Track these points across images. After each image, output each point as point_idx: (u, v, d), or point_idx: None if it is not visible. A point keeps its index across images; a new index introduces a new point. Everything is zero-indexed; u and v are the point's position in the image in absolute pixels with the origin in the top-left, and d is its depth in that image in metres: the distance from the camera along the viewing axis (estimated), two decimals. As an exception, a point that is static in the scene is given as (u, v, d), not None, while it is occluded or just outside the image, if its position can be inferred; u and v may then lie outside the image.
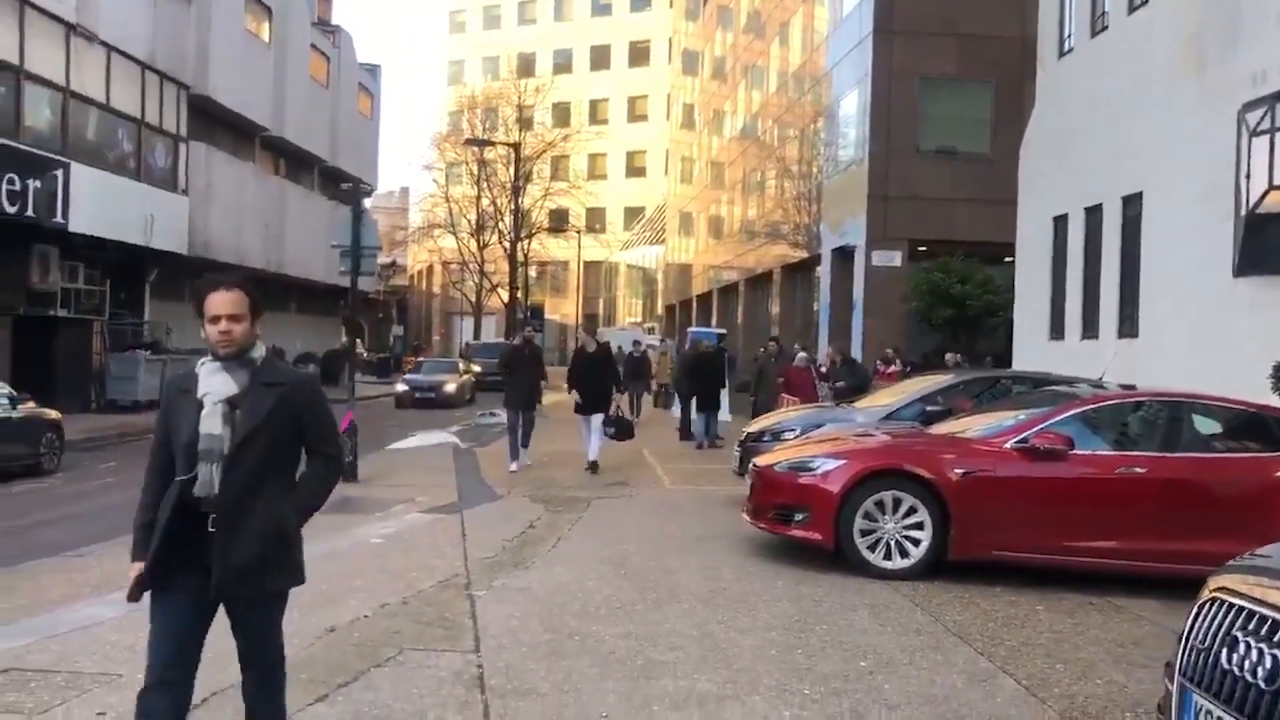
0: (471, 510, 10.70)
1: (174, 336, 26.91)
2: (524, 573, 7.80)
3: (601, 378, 13.88)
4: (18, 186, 19.58)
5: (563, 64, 74.25)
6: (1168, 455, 7.75)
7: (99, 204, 22.13)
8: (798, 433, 10.55)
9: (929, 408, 10.26)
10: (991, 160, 25.17)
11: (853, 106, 26.77)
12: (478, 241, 62.76)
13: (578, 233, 48.73)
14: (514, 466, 13.69)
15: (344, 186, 12.63)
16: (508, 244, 60.06)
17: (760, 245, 37.08)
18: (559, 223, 61.16)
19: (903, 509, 7.74)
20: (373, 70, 42.75)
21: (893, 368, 17.88)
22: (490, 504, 11.22)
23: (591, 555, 8.43)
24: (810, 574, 7.76)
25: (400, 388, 29.94)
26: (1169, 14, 13.85)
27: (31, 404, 14.77)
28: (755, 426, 11.54)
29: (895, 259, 25.05)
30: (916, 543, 7.73)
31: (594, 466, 13.69)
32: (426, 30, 79.03)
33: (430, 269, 73.18)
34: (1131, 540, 7.55)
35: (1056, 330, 16.77)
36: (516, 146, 32.76)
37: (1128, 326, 14.55)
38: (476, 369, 34.36)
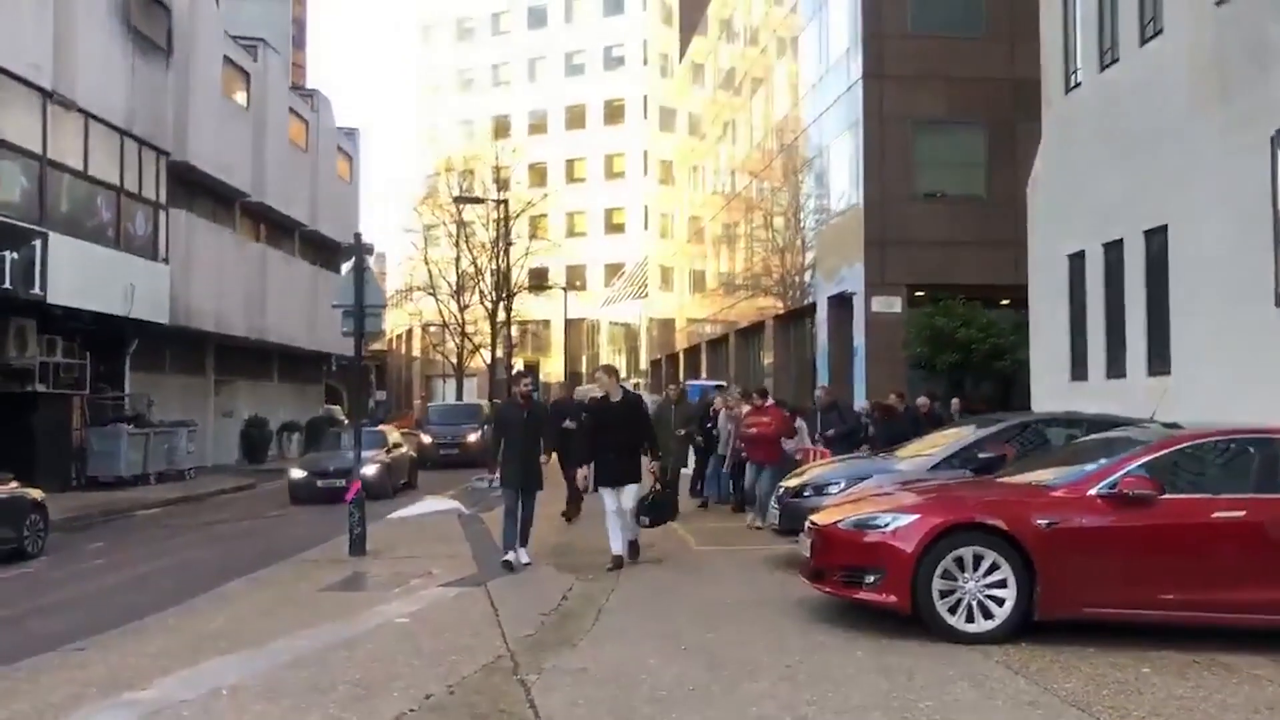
0: (496, 583, 9.98)
1: (156, 409, 26.07)
2: (573, 652, 7.11)
3: (631, 437, 10.43)
4: (-6, 258, 18.90)
5: (537, 124, 74.36)
6: (1267, 496, 7.18)
7: (78, 274, 21.44)
8: (842, 486, 9.94)
9: (981, 454, 9.66)
10: (986, 202, 24.98)
11: (845, 152, 26.52)
12: (458, 303, 62.28)
13: (564, 289, 48.09)
14: (510, 556, 10.66)
15: (345, 244, 11.88)
16: (489, 304, 59.87)
17: (749, 296, 36.70)
18: (540, 281, 60.79)
19: (984, 566, 7.12)
20: (351, 134, 42.40)
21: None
22: (513, 575, 10.49)
23: (641, 629, 7.74)
24: (887, 641, 7.10)
25: (295, 474, 20.64)
26: (1185, 43, 13.56)
27: (14, 483, 13.95)
28: (794, 481, 10.90)
29: (895, 304, 24.64)
30: (1000, 602, 7.10)
31: (622, 560, 10.41)
32: (398, 95, 78.95)
33: (410, 332, 72.52)
34: (1232, 590, 6.97)
35: (1079, 370, 16.29)
36: (504, 203, 31.90)
37: (1158, 363, 14.08)
38: (426, 439, 29.28)
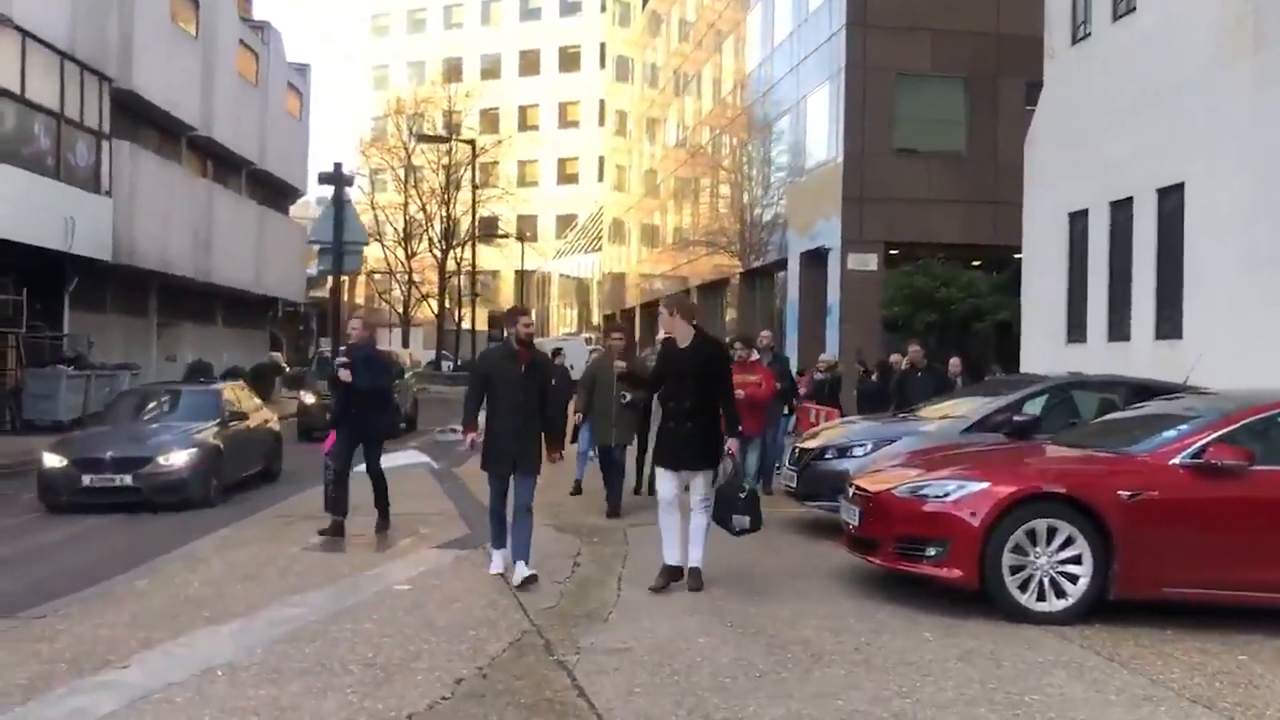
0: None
1: (96, 350, 24.72)
2: (606, 628, 6.39)
3: (704, 399, 7.29)
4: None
5: (490, 69, 72.61)
6: (1367, 469, 6.64)
7: (13, 204, 20.05)
8: (869, 449, 9.27)
9: (1016, 418, 9.05)
10: (966, 160, 24.48)
11: (822, 105, 25.79)
12: (406, 250, 60.75)
13: (520, 240, 46.83)
14: (499, 566, 7.86)
15: (321, 174, 10.76)
16: (438, 252, 58.48)
17: (710, 252, 35.98)
18: (490, 230, 59.37)
19: (1057, 540, 6.50)
20: (302, 70, 40.63)
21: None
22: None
23: (674, 603, 7.02)
24: (952, 621, 6.47)
25: (51, 461, 12.60)
26: (1212, -7, 12.98)
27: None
28: (812, 443, 10.20)
29: (871, 262, 24.11)
30: (1073, 579, 6.50)
31: (679, 575, 7.40)
32: (348, 33, 76.49)
33: (354, 279, 70.81)
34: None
35: (1076, 333, 15.83)
36: (472, 143, 30.70)
37: (1167, 327, 13.63)
38: (308, 398, 20.92)
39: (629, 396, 10.69)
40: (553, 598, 7.15)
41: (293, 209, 43.25)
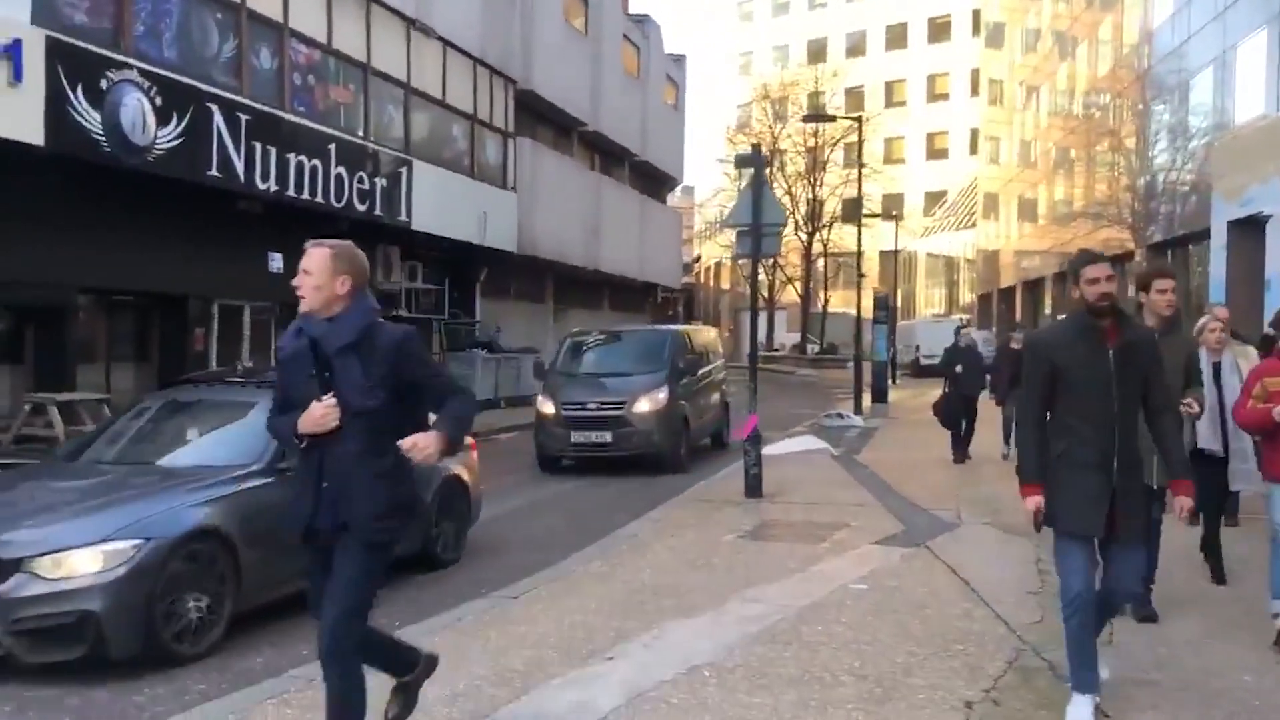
0: (936, 543, 8.58)
1: (502, 335, 26.50)
2: (1112, 651, 5.58)
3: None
4: (366, 185, 19.31)
5: (855, 47, 71.17)
6: None
7: (437, 201, 21.74)
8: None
9: None
10: None
11: (1256, 53, 22.70)
12: (772, 234, 60.88)
13: (894, 218, 45.45)
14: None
15: (738, 156, 10.74)
16: (803, 235, 58.15)
17: (1104, 225, 33.00)
18: (855, 210, 58.16)
19: None
20: (678, 60, 41.61)
21: None
22: (948, 534, 9.05)
23: (1186, 625, 6.09)
24: None
25: (547, 408, 14.50)
26: None
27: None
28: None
29: (1321, 229, 20.91)
30: None
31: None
32: (715, 22, 77.85)
33: (719, 265, 72.00)
34: None
35: None
36: (859, 119, 29.99)
37: None
38: (547, 408, 14.63)
39: None
40: (1034, 610, 6.43)
41: (672, 198, 44.51)
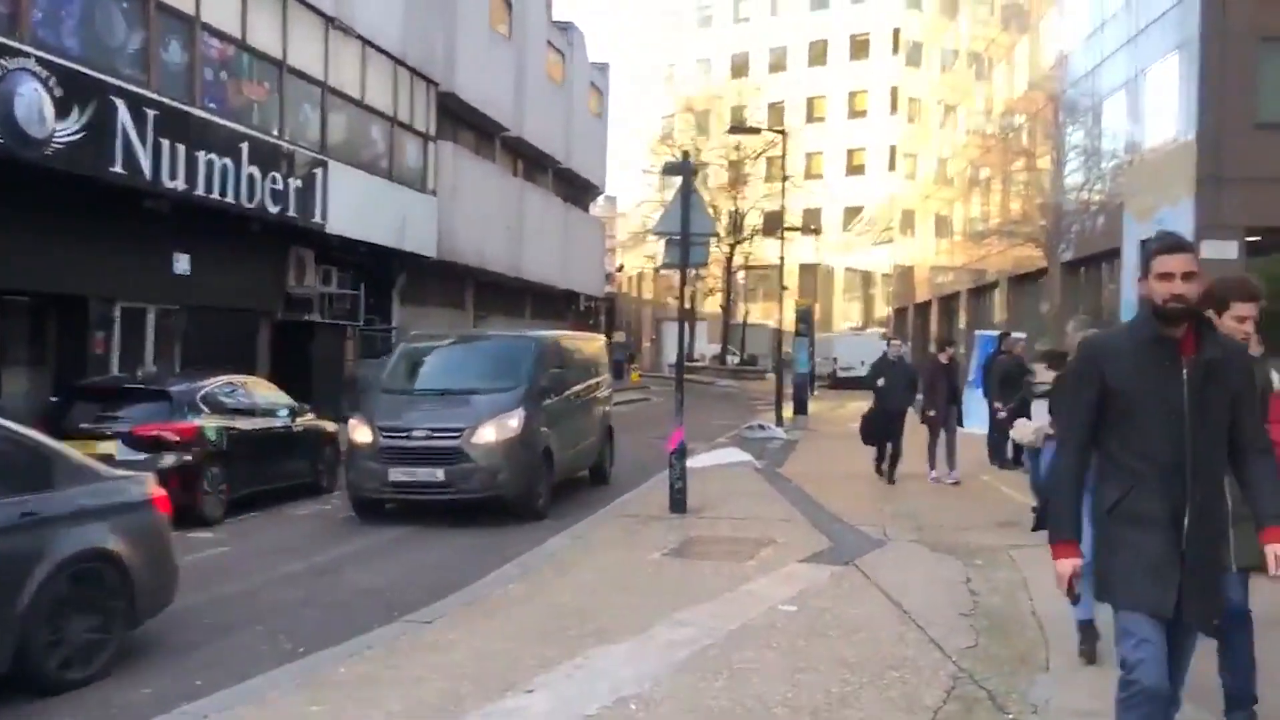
0: (865, 561, 8.42)
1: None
2: (1051, 679, 5.43)
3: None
4: (280, 185, 18.67)
5: (777, 62, 71.83)
6: None
7: (354, 204, 21.15)
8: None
9: None
10: (1347, 134, 21.34)
11: (1168, 77, 23.26)
12: (693, 245, 60.99)
13: (813, 232, 45.87)
14: None
15: (666, 164, 10.49)
16: (725, 247, 58.41)
17: (1021, 242, 33.59)
18: (777, 225, 58.61)
19: None
20: (602, 69, 41.40)
21: None
22: (878, 552, 8.90)
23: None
24: None
25: (359, 437, 11.31)
26: None
27: (311, 416, 13.45)
28: None
29: (1230, 250, 21.38)
30: None
31: None
32: (637, 33, 77.87)
33: (641, 276, 72.00)
34: None
35: None
36: (784, 134, 30.08)
37: None
38: (360, 436, 11.30)
39: None
40: (967, 634, 6.27)
41: (594, 208, 44.28)
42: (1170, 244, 3.62)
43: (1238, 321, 4.23)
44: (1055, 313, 30.57)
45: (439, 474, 10.70)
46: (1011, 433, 10.40)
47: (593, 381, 14.08)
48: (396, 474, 10.73)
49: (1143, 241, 3.71)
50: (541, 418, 11.50)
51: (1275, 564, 3.45)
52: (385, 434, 10.89)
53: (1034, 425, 9.68)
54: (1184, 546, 3.42)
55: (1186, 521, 3.41)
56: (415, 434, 10.82)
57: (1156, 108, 24.20)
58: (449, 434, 10.77)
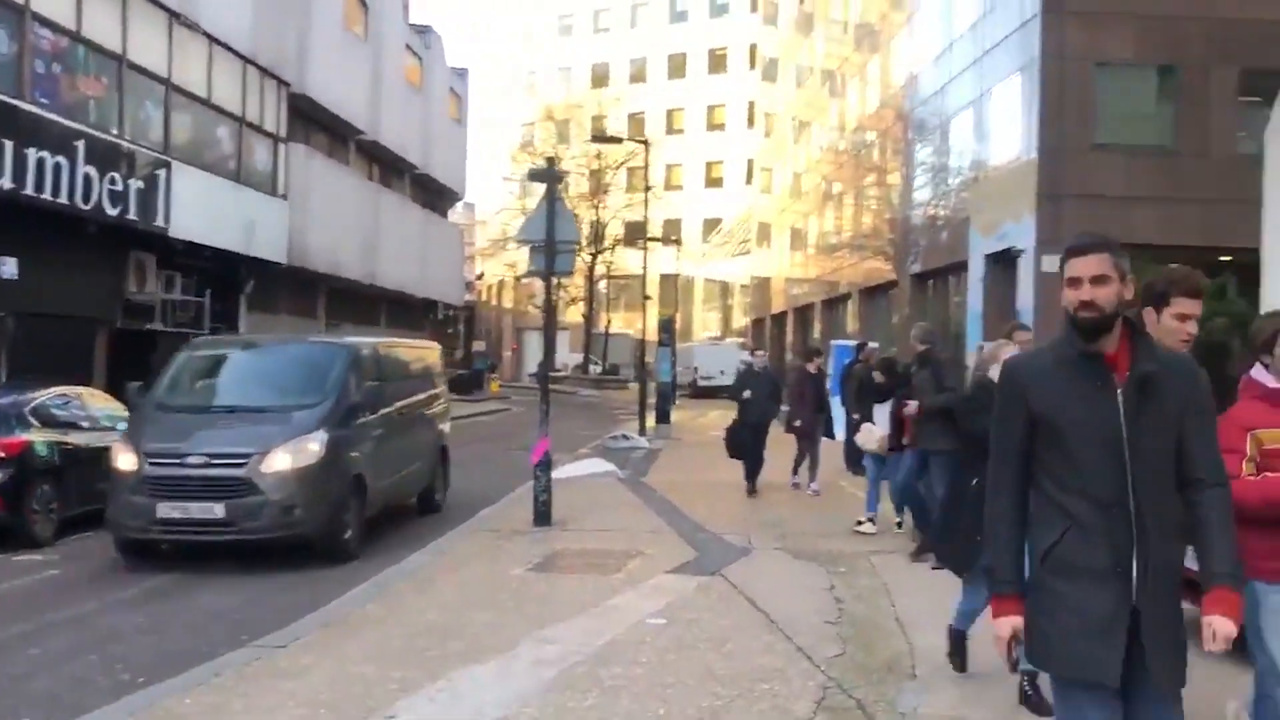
0: (731, 571, 8.39)
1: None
2: (920, 685, 5.47)
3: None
4: (119, 187, 17.71)
5: (637, 73, 72.35)
6: None
7: (200, 207, 20.24)
8: None
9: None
10: (1173, 154, 22.66)
11: (1011, 97, 24.29)
12: (554, 255, 60.75)
13: (674, 242, 46.27)
14: None
15: (532, 170, 10.29)
16: (587, 256, 58.49)
17: (872, 255, 34.59)
18: (638, 234, 59.00)
19: None
20: (462, 74, 40.88)
21: None
22: (743, 561, 8.89)
23: (989, 653, 6.06)
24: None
25: (124, 464, 9.27)
26: None
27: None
28: None
29: (1068, 265, 22.52)
30: None
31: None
32: (495, 39, 77.31)
33: (501, 284, 71.43)
34: None
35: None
36: (646, 144, 30.14)
37: None
38: (124, 462, 9.31)
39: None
40: (834, 643, 6.27)
41: (453, 215, 43.65)
42: (1079, 244, 3.06)
43: (1179, 320, 3.72)
44: (905, 323, 31.59)
45: (217, 509, 8.80)
46: (856, 438, 10.69)
47: (423, 396, 12.41)
48: (165, 509, 8.78)
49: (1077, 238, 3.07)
50: (352, 439, 9.76)
51: (1212, 639, 2.88)
52: (152, 460, 8.96)
53: (878, 433, 10.01)
54: (1135, 600, 2.85)
55: (1135, 571, 2.85)
56: (190, 460, 8.91)
57: (1001, 127, 25.21)
58: (233, 460, 8.95)
